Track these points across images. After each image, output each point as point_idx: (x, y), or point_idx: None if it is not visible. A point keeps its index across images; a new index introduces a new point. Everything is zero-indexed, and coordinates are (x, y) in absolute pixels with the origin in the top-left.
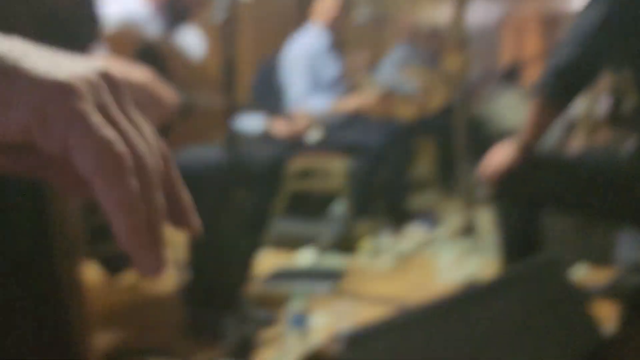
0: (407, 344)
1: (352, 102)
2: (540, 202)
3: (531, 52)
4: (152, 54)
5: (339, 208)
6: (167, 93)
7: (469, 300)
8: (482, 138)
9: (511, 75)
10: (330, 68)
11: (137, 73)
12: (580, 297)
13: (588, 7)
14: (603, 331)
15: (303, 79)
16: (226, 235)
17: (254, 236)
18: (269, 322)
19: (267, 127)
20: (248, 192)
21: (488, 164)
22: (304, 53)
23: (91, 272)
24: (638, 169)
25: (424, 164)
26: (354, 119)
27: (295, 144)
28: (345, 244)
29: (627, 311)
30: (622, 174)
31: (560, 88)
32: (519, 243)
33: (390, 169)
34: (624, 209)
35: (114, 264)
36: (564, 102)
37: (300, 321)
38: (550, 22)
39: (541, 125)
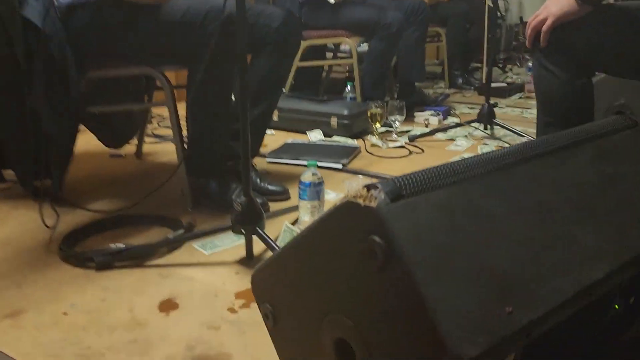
0: (462, 197)
1: None
2: (598, 59)
3: None
4: None
5: (350, 90)
6: None
7: (539, 152)
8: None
9: None
10: None
11: None
12: None
13: None
14: None
15: None
16: (230, 97)
17: (264, 104)
18: (280, 193)
19: None
20: (261, 54)
21: (542, 14)
22: None
23: (93, 147)
24: None
25: (433, 60)
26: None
27: None
28: (357, 125)
29: None
30: None
31: None
32: (565, 109)
33: (406, 51)
34: None
35: (111, 137)
36: None
37: (315, 189)
38: None
39: None
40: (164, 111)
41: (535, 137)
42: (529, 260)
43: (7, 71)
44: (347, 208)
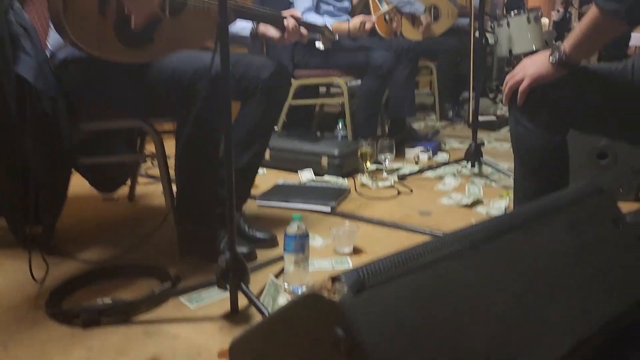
0: (430, 281)
1: (354, 22)
2: (573, 118)
3: None
4: None
5: (341, 128)
6: None
7: (509, 227)
8: (489, 62)
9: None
10: None
11: None
12: (633, 235)
13: None
14: None
15: None
16: (219, 149)
17: (254, 149)
18: (267, 241)
19: (261, 30)
20: (250, 102)
21: (519, 74)
22: None
23: (87, 190)
24: None
25: (425, 90)
26: (360, 39)
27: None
28: (347, 165)
29: None
30: None
31: (637, 6)
32: (540, 164)
33: (396, 88)
34: None
35: (103, 183)
36: (638, 21)
37: (300, 241)
38: None
39: (597, 43)
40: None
41: (513, 187)
42: (501, 341)
43: None
44: (312, 300)
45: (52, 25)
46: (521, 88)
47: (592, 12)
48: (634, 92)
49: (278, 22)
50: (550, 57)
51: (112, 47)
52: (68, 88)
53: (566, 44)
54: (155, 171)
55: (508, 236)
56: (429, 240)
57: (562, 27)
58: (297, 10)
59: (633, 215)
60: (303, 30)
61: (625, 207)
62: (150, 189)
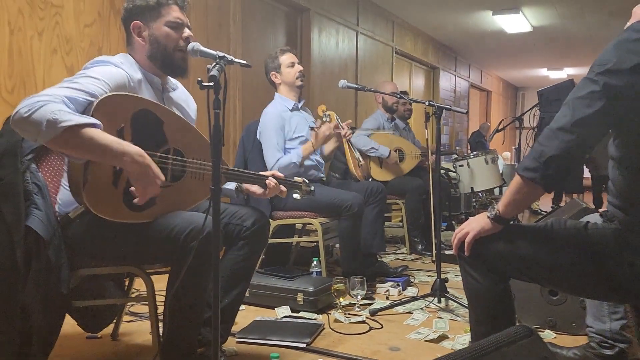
0: None
1: (316, 139)
2: (508, 271)
3: (495, 119)
4: (148, 116)
5: (316, 265)
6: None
7: None
8: (452, 199)
9: (478, 141)
10: (301, 124)
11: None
12: None
13: (580, 97)
14: None
15: (276, 136)
16: (205, 294)
17: (235, 291)
18: None
19: (245, 187)
20: (234, 248)
21: (462, 233)
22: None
23: (70, 327)
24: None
25: (397, 223)
26: (333, 182)
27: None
28: (322, 301)
29: None
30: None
31: (550, 176)
32: (488, 309)
33: (366, 226)
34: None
35: (92, 323)
36: (554, 187)
37: None
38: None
39: (523, 204)
40: (141, 286)
41: (469, 328)
42: None
43: (4, 271)
44: None
45: (63, 184)
46: (467, 240)
47: (515, 179)
48: (557, 248)
49: (261, 182)
50: (488, 214)
51: (119, 212)
52: (72, 239)
53: (500, 204)
54: (138, 309)
55: None
56: None
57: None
58: (277, 172)
59: (581, 348)
60: (282, 187)
61: (577, 340)
62: (134, 326)
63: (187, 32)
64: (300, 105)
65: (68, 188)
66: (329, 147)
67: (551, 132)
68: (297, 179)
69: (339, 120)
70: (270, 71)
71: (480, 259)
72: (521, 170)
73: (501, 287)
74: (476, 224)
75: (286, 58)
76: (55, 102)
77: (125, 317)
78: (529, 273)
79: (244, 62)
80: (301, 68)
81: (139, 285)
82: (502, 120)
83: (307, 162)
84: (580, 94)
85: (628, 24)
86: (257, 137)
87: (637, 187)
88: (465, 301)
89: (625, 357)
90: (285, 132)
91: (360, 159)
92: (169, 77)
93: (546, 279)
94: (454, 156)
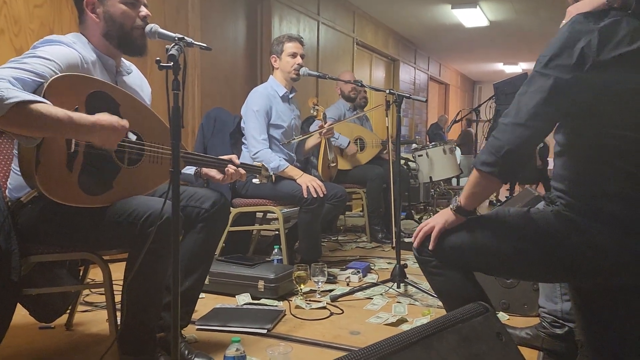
0: None
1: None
2: (465, 265)
3: (453, 112)
4: (104, 99)
5: (277, 253)
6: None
7: (410, 342)
8: (412, 189)
9: (436, 133)
10: (286, 114)
11: None
12: (514, 346)
13: (532, 91)
14: None
15: (258, 118)
16: (165, 278)
17: (195, 275)
18: None
19: (204, 171)
20: (192, 231)
21: (428, 227)
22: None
23: (22, 318)
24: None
25: (357, 213)
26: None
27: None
28: (283, 288)
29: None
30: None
31: (507, 169)
32: (461, 298)
33: (328, 217)
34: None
35: (45, 313)
36: (511, 179)
37: None
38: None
39: (482, 196)
40: (96, 276)
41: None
42: None
43: None
44: None
45: (13, 168)
46: (433, 233)
47: (473, 173)
48: (501, 235)
49: (221, 167)
50: (451, 206)
51: (75, 196)
52: (23, 225)
53: (461, 196)
54: (93, 298)
55: (410, 349)
56: (346, 354)
57: None
58: (235, 157)
59: (533, 328)
60: (241, 171)
61: (529, 322)
62: (89, 316)
63: (144, 10)
64: (291, 96)
65: (19, 172)
66: (309, 143)
67: (506, 126)
68: (256, 163)
69: (325, 117)
70: (272, 53)
71: (443, 251)
72: (479, 164)
73: (466, 274)
74: (440, 217)
75: (290, 46)
76: (1, 81)
77: (80, 307)
78: (481, 265)
79: (204, 44)
80: (301, 61)
81: (94, 275)
82: (460, 111)
83: (280, 154)
84: (531, 88)
85: (563, 22)
86: (242, 113)
87: (580, 171)
88: (423, 286)
89: (573, 336)
90: (269, 116)
91: (333, 161)
92: (122, 60)
93: (496, 268)
94: (414, 146)
